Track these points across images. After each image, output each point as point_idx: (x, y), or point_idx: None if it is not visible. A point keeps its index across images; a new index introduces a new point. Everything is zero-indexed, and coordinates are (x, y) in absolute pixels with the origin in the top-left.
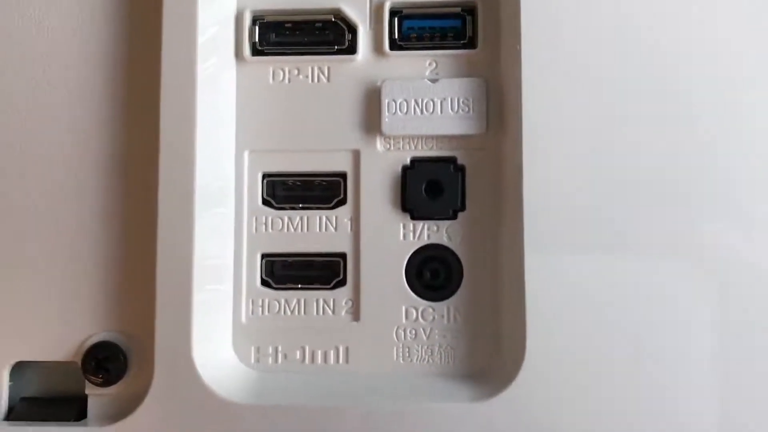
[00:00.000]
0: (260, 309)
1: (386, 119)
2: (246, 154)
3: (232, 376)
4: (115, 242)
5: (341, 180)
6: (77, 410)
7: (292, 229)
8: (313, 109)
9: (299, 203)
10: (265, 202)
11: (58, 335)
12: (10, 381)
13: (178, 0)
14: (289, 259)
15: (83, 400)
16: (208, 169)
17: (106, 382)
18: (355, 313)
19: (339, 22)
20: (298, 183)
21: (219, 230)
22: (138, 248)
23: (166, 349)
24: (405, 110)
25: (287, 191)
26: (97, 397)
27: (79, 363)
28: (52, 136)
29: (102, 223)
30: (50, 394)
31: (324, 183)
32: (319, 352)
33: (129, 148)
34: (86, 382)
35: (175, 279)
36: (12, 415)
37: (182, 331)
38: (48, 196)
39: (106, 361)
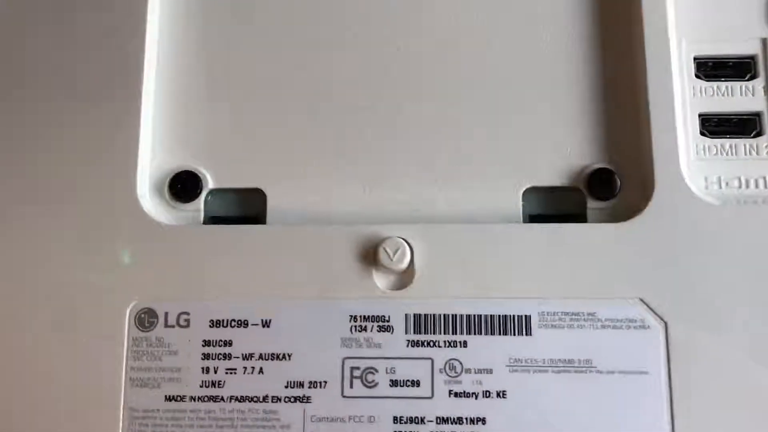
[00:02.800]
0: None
1: None
2: (683, 42)
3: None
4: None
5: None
6: None
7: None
8: None
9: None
10: (697, 77)
11: (562, 164)
12: (523, 202)
13: None
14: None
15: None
16: None
17: (603, 198)
18: None
19: None
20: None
21: None
22: (624, 100)
23: (662, 170)
24: None
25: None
26: (596, 210)
27: (583, 187)
28: None
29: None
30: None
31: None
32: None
33: None
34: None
35: (661, 120)
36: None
37: (673, 157)
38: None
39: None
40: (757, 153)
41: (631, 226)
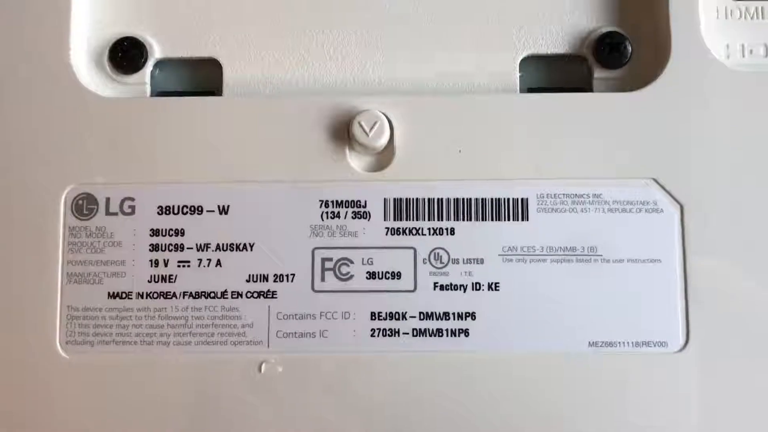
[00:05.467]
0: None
1: None
2: None
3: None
4: None
5: None
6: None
7: None
8: None
9: None
10: None
11: (565, 28)
12: (520, 72)
13: None
14: None
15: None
16: None
17: (611, 66)
18: None
19: None
20: None
21: None
22: None
23: (680, 32)
24: None
25: None
26: (603, 80)
27: (588, 54)
28: None
29: None
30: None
31: None
32: None
33: None
34: (595, 68)
35: None
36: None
37: (693, 18)
38: None
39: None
40: None
41: (644, 95)
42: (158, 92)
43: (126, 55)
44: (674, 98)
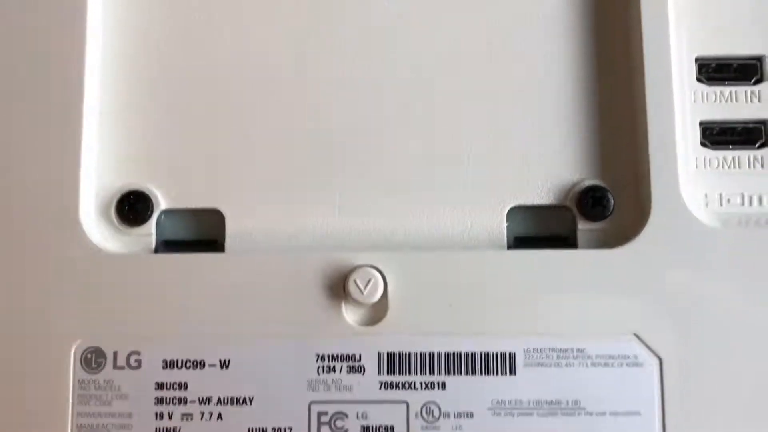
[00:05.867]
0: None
1: None
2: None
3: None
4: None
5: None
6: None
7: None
8: None
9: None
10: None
11: (551, 182)
12: (507, 222)
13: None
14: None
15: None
16: None
17: (594, 219)
18: None
19: None
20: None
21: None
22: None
23: (660, 191)
24: None
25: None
26: (587, 231)
27: (573, 206)
28: None
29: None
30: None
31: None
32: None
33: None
34: (579, 219)
35: (660, 135)
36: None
37: (672, 175)
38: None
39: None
40: (762, 166)
41: (625, 252)
42: (163, 241)
43: (132, 208)
44: (654, 256)
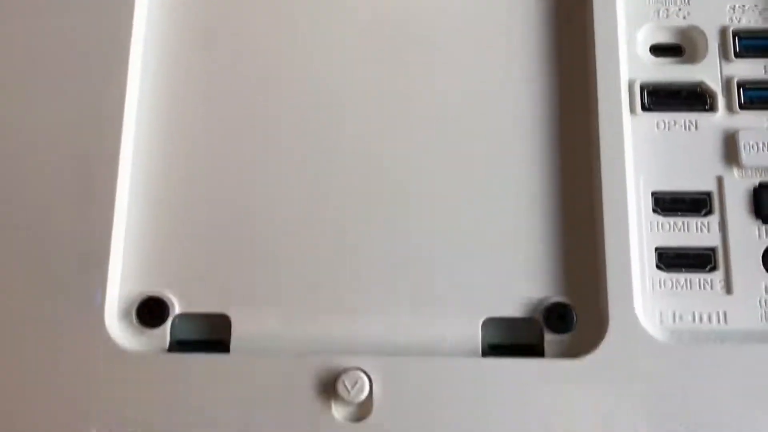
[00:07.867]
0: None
1: (743, 156)
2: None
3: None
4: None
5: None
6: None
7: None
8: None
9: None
10: (654, 211)
11: (521, 296)
12: (482, 331)
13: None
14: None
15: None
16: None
17: (559, 331)
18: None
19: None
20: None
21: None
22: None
23: (616, 308)
24: (757, 150)
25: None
26: (553, 342)
27: (540, 319)
28: None
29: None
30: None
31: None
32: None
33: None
34: (545, 331)
35: (617, 260)
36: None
37: (627, 296)
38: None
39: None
40: (711, 288)
41: (586, 363)
42: (176, 341)
43: (152, 312)
44: (611, 368)
